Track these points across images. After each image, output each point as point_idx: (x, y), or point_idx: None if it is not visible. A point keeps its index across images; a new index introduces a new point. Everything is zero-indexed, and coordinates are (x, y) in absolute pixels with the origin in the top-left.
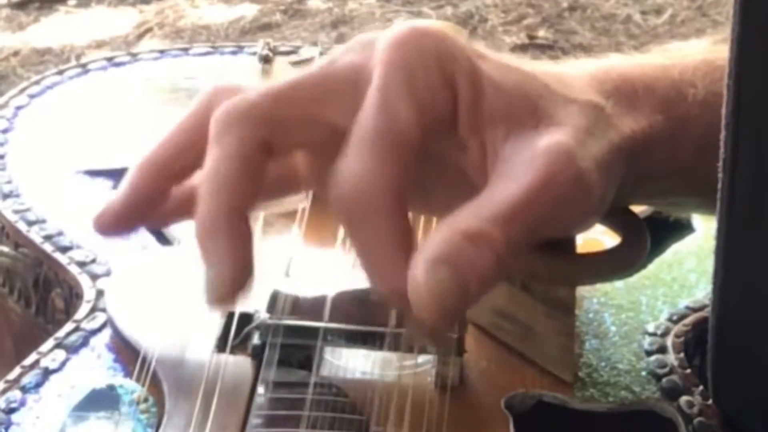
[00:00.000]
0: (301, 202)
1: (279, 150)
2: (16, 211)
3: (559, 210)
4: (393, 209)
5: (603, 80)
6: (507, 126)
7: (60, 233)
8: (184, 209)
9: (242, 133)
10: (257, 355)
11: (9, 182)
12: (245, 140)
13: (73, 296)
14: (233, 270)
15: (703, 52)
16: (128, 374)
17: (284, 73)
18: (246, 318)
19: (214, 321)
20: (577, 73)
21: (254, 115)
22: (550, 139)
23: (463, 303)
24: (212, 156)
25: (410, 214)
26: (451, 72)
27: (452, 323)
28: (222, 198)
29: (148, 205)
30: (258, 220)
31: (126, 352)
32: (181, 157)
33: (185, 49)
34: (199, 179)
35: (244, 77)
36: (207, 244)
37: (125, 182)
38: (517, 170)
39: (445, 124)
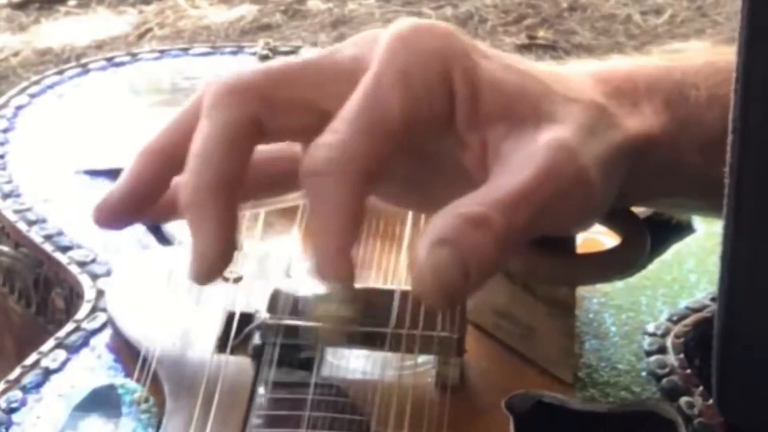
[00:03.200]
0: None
1: (270, 132)
2: (16, 211)
3: (560, 204)
4: (353, 187)
5: (605, 81)
6: (507, 124)
7: (60, 233)
8: None
9: (233, 108)
10: (258, 355)
11: (9, 182)
12: (235, 116)
13: (74, 296)
14: (213, 246)
15: (706, 54)
16: (129, 374)
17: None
18: (246, 318)
19: (215, 321)
20: (579, 73)
21: (247, 92)
22: (552, 135)
23: (464, 286)
24: (201, 130)
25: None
26: (449, 70)
27: (452, 306)
28: (206, 174)
29: (149, 194)
30: (258, 221)
31: (126, 352)
32: (182, 145)
33: (185, 49)
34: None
35: None
36: (190, 219)
37: (126, 171)
38: (518, 164)
39: (440, 122)
